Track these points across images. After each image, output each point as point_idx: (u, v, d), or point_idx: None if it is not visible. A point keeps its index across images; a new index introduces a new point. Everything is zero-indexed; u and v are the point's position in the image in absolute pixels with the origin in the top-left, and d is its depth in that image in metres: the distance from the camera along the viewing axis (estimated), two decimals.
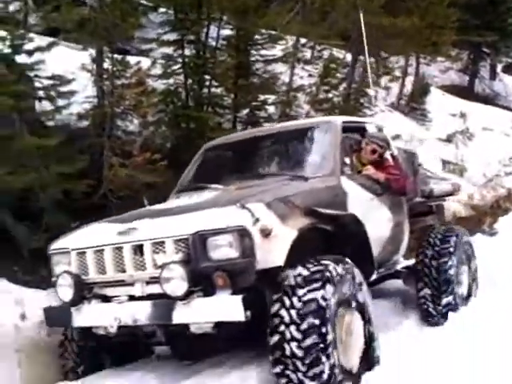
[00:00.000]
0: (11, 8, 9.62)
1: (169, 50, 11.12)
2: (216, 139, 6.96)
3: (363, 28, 10.61)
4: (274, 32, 13.74)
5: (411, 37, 17.43)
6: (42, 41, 9.70)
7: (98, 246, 4.51)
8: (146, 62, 11.29)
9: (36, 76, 9.14)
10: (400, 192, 5.62)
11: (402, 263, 6.04)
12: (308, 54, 19.05)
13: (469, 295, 6.54)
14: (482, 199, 14.27)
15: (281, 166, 5.59)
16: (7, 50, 8.87)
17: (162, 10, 12.42)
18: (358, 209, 4.82)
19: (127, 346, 5.25)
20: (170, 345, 5.36)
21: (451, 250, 6.06)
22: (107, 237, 4.51)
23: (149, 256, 4.21)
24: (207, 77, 11.08)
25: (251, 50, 12.38)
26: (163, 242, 4.14)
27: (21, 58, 8.98)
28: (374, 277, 5.08)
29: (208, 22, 11.43)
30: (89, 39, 9.88)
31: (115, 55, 9.99)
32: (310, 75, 17.36)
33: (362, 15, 11.37)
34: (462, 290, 6.36)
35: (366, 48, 10.27)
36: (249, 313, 3.77)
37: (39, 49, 9.15)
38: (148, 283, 4.33)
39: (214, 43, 11.68)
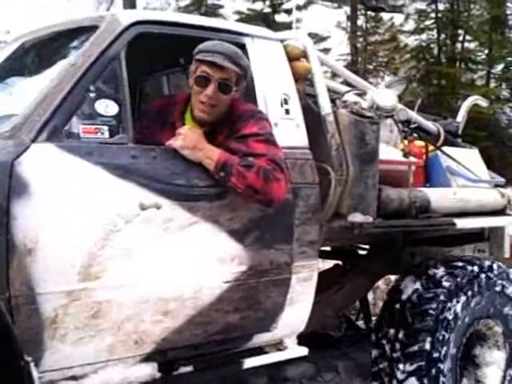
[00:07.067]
0: None
1: (422, 5, 10.92)
2: None
3: None
4: None
5: None
6: (300, 0, 10.08)
7: None
8: (398, 19, 11.23)
9: None
10: (256, 197, 1.98)
11: (292, 350, 2.37)
12: None
13: None
14: None
15: None
16: (267, 10, 9.37)
17: None
18: (53, 227, 1.68)
19: None
20: None
21: (445, 302, 2.52)
22: None
23: None
24: (460, 31, 10.69)
25: (507, 1, 11.66)
26: None
27: (280, 17, 9.43)
28: None
29: None
30: None
31: (369, 12, 10.08)
32: None
33: None
34: None
35: None
36: None
37: (297, 8, 9.52)
38: None
39: None
